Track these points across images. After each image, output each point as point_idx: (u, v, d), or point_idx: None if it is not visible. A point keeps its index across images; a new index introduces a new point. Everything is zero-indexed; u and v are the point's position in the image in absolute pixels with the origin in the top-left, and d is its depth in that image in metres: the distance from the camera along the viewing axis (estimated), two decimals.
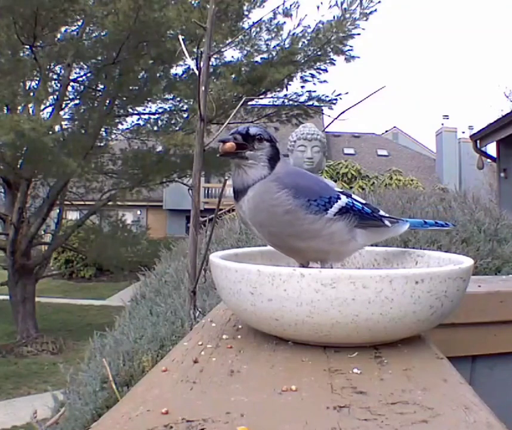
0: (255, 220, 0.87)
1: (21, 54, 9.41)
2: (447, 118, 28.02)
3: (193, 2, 9.36)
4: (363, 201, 0.90)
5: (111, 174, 11.64)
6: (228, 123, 1.72)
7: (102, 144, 11.23)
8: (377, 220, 0.88)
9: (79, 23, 9.97)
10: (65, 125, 10.98)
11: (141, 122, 11.54)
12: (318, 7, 9.30)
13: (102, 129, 10.86)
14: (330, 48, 9.91)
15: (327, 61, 10.24)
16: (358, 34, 9.63)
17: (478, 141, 9.97)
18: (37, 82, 9.99)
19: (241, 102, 1.84)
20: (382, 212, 0.91)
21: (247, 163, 0.86)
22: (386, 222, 0.89)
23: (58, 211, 11.67)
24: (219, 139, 0.87)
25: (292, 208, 0.82)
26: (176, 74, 10.99)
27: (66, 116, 10.99)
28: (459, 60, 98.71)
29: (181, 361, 0.68)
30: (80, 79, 10.96)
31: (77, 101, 11.13)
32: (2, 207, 11.81)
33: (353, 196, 0.89)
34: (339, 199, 0.85)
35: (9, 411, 6.68)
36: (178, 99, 11.01)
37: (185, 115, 11.09)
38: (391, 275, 0.68)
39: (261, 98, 12.29)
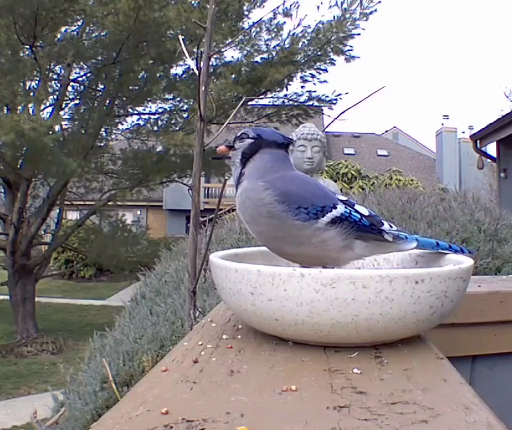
0: (242, 217, 0.87)
1: (21, 54, 9.40)
2: (447, 118, 28.05)
3: (193, 2, 9.36)
4: (366, 213, 0.86)
5: (111, 174, 11.64)
6: (228, 123, 1.72)
7: (102, 144, 11.23)
8: (375, 233, 0.85)
9: (79, 23, 9.97)
10: (65, 125, 10.99)
11: (141, 122, 11.54)
12: (318, 7, 9.32)
13: (102, 129, 10.86)
14: (330, 48, 9.91)
15: (327, 61, 10.24)
16: (358, 34, 9.64)
17: (478, 141, 9.97)
18: (37, 82, 9.99)
19: (241, 102, 1.84)
20: (386, 226, 0.86)
21: (232, 163, 0.91)
22: (387, 237, 0.86)
23: (58, 211, 11.66)
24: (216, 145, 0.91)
25: (276, 212, 0.81)
26: (176, 74, 10.99)
27: (66, 116, 10.99)
28: (459, 60, 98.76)
29: (181, 361, 0.68)
30: (80, 79, 10.96)
31: (77, 101, 11.14)
32: (2, 207, 11.82)
33: (356, 206, 0.86)
34: (335, 208, 0.83)
35: (9, 411, 6.68)
36: (178, 99, 11.01)
37: (185, 115, 11.09)
38: (391, 275, 0.68)
39: (261, 98, 12.29)
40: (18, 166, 10.31)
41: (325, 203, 0.83)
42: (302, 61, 10.22)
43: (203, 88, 1.29)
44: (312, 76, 10.54)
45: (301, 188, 0.86)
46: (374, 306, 0.67)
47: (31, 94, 9.79)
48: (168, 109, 11.30)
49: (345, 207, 0.84)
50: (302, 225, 0.81)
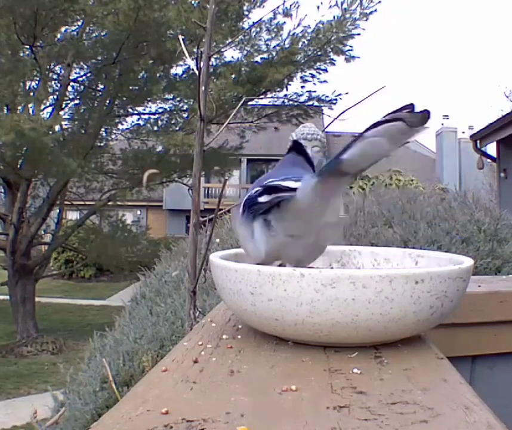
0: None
1: (21, 54, 9.42)
2: (447, 118, 27.99)
3: (193, 2, 9.36)
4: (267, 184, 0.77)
5: (111, 174, 11.64)
6: (228, 123, 1.72)
7: (102, 144, 11.24)
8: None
9: (79, 23, 9.98)
10: (65, 125, 11.00)
11: (141, 122, 11.56)
12: (318, 7, 9.32)
13: (102, 129, 10.87)
14: (330, 48, 9.92)
15: (327, 61, 10.25)
16: (358, 34, 9.65)
17: (478, 141, 9.97)
18: (37, 82, 10.00)
19: (241, 102, 1.84)
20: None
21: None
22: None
23: (58, 211, 11.67)
24: None
25: (237, 222, 0.81)
26: (176, 74, 11.00)
27: (66, 116, 11.00)
28: (459, 60, 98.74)
29: (181, 361, 0.68)
30: (80, 79, 10.97)
31: (77, 101, 11.15)
32: (2, 207, 11.84)
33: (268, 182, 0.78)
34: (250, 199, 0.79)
35: (9, 411, 6.68)
36: (178, 99, 11.02)
37: (185, 115, 11.09)
38: (391, 275, 0.67)
39: (261, 98, 12.29)
40: (18, 166, 10.33)
41: (250, 196, 0.79)
42: (302, 61, 10.22)
43: (203, 88, 1.29)
44: (312, 76, 10.55)
45: (255, 184, 0.83)
46: (374, 306, 0.67)
47: (31, 94, 9.80)
48: (168, 109, 11.31)
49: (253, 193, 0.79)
50: (240, 225, 0.80)
